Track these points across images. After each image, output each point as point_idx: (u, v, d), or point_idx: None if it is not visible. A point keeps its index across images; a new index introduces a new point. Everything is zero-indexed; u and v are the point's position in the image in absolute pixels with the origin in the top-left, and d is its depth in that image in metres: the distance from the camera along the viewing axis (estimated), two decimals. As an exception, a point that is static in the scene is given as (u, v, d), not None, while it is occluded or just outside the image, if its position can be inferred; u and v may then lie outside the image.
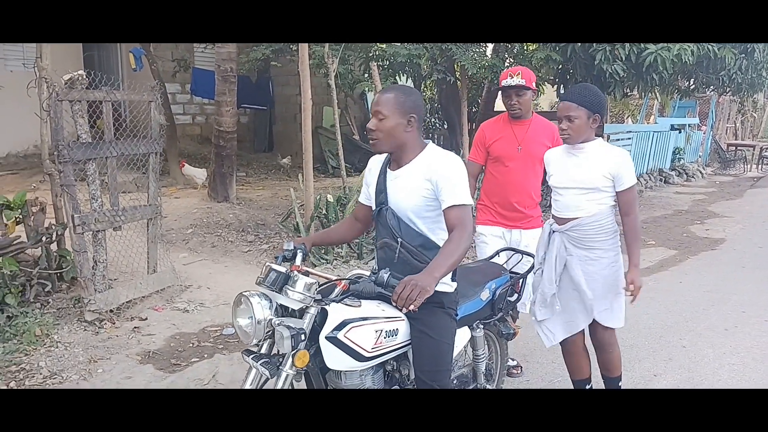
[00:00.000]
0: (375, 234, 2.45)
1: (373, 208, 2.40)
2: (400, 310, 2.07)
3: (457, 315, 2.41)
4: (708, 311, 4.81)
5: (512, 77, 3.30)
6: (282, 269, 2.14)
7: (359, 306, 2.16)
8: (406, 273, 2.06)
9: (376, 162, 2.46)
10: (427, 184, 2.22)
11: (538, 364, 3.77)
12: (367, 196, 2.49)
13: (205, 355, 3.75)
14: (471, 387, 2.82)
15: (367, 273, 2.09)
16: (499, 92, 3.46)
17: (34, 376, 3.33)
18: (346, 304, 2.14)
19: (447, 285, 2.31)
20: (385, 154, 2.38)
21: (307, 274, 2.19)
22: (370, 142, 2.28)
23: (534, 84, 3.36)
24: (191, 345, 3.88)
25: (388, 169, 2.35)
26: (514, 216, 3.45)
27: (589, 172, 2.76)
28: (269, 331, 2.10)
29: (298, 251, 2.31)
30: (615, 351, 2.99)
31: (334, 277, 2.28)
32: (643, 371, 3.71)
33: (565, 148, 2.88)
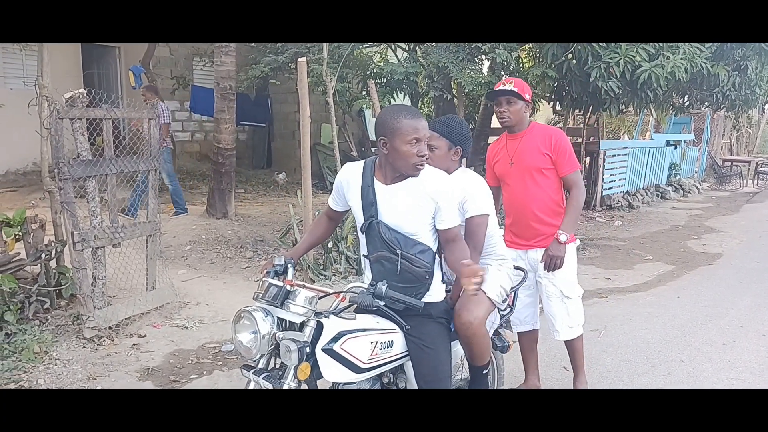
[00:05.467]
0: (366, 247, 2.40)
1: (361, 220, 2.36)
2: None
3: (450, 323, 2.44)
4: (706, 326, 4.82)
5: (504, 84, 3.19)
6: (281, 284, 2.17)
7: (354, 319, 2.21)
8: (406, 281, 2.22)
9: (353, 171, 2.41)
10: (430, 203, 2.25)
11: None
12: (336, 202, 2.52)
13: (204, 372, 3.74)
14: None
15: (364, 285, 2.11)
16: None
17: (32, 394, 3.32)
18: (341, 317, 2.19)
19: (436, 295, 2.36)
20: (362, 163, 2.40)
21: (304, 287, 2.22)
22: (420, 167, 2.24)
23: (528, 96, 3.20)
24: (190, 362, 3.88)
25: (375, 181, 2.32)
26: (528, 234, 3.28)
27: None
28: (272, 346, 2.13)
29: (289, 265, 2.33)
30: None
31: (332, 291, 2.30)
32: (641, 386, 3.71)
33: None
